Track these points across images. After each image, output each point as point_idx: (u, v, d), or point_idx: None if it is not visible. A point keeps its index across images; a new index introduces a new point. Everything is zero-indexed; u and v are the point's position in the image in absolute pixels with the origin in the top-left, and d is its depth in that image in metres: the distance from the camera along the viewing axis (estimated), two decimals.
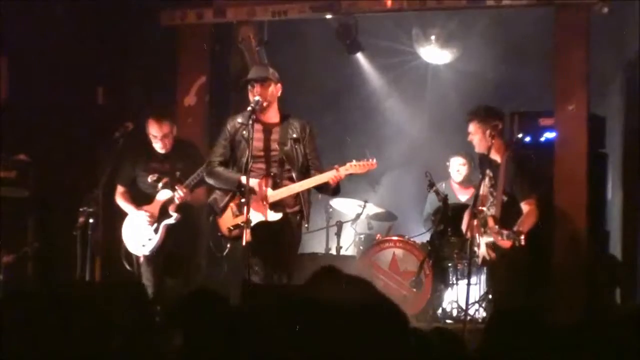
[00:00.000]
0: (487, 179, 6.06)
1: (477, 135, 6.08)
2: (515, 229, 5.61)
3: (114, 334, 2.55)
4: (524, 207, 5.85)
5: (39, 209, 7.39)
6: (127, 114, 7.08)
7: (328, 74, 8.97)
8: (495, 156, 6.05)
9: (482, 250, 6.06)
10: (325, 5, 7.48)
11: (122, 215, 6.64)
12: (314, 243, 8.40)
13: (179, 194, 6.25)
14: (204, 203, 6.51)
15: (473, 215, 6.08)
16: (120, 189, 6.61)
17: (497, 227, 5.78)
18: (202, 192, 6.43)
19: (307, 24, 8.14)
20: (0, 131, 7.19)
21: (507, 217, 5.82)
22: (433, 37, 8.88)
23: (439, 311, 7.80)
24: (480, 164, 6.34)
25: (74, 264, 6.34)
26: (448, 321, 7.56)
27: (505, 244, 5.69)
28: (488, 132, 5.97)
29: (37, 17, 7.59)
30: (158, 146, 6.44)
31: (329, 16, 7.69)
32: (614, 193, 7.83)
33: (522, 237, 5.52)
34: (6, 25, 7.31)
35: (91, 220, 6.23)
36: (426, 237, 8.00)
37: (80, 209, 6.25)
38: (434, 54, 9.02)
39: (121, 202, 6.59)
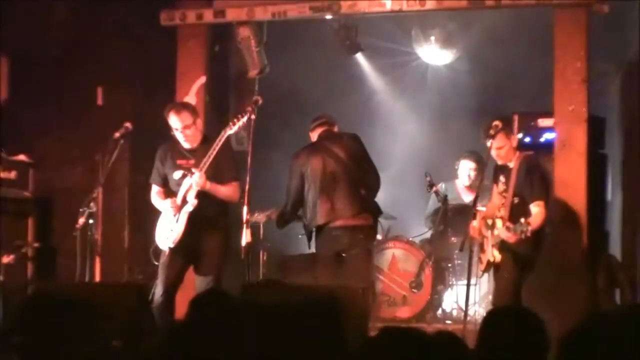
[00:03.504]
0: (500, 184, 6.12)
1: (505, 147, 6.10)
2: (522, 221, 5.65)
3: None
4: (533, 208, 5.89)
5: (39, 209, 7.39)
6: (126, 115, 7.07)
7: (327, 75, 8.97)
8: (510, 162, 6.11)
9: (487, 255, 6.07)
10: (325, 6, 7.47)
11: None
12: (314, 244, 8.39)
13: (196, 179, 5.93)
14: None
15: (473, 216, 6.13)
16: (154, 188, 6.36)
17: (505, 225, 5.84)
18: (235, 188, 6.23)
19: (306, 24, 8.13)
20: (0, 131, 7.20)
21: (516, 217, 5.84)
22: (433, 38, 8.87)
23: (439, 312, 7.80)
24: (495, 173, 6.33)
25: (74, 265, 6.34)
26: (448, 322, 7.57)
27: (511, 238, 5.73)
28: (513, 141, 6.08)
29: (37, 17, 7.60)
30: (182, 139, 6.17)
31: (328, 17, 7.69)
32: (613, 194, 7.83)
33: (529, 228, 5.57)
34: (6, 25, 7.32)
35: (91, 221, 6.22)
36: (426, 238, 8.00)
37: (80, 210, 6.23)
38: (434, 54, 9.02)
39: (155, 200, 6.33)
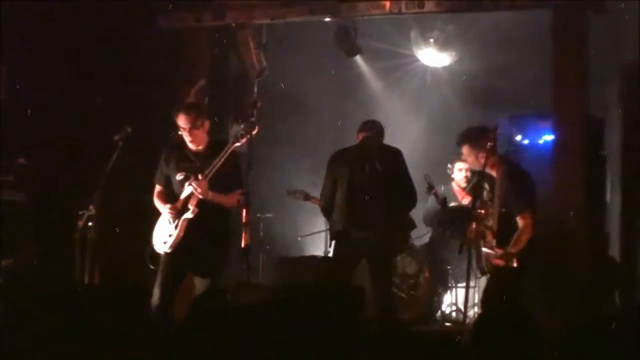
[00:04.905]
0: (485, 193, 6.04)
1: (470, 158, 6.00)
2: (508, 249, 5.58)
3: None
4: (519, 221, 5.75)
5: (38, 212, 7.39)
6: (126, 116, 7.07)
7: (327, 77, 8.97)
8: (491, 171, 5.98)
9: (482, 262, 6.05)
10: (324, 9, 7.48)
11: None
12: (313, 246, 8.40)
13: (198, 187, 5.89)
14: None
15: (473, 219, 6.08)
16: (156, 187, 6.30)
17: (494, 241, 5.75)
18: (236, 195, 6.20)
19: (306, 27, 8.14)
20: (0, 131, 7.20)
21: (504, 230, 5.76)
22: (431, 40, 8.89)
23: (438, 314, 7.80)
24: (479, 179, 6.26)
25: (73, 267, 6.33)
26: (447, 324, 7.57)
27: (498, 262, 5.68)
28: (481, 154, 5.89)
29: (37, 19, 7.60)
30: (188, 140, 6.09)
31: (327, 19, 7.70)
32: (612, 195, 7.84)
33: (515, 260, 5.53)
34: (6, 27, 7.32)
35: (90, 223, 6.21)
36: (425, 240, 8.00)
37: (80, 212, 6.22)
38: (433, 56, 9.03)
39: (156, 201, 6.28)
